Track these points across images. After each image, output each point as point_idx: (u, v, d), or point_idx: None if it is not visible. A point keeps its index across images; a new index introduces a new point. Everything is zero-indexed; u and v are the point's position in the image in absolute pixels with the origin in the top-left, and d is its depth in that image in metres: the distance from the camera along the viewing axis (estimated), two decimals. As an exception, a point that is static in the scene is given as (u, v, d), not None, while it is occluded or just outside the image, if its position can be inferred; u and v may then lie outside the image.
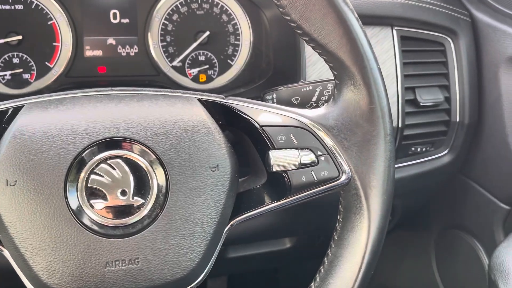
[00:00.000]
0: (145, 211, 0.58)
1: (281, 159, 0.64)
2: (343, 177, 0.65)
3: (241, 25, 1.13)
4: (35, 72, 1.04)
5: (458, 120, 1.17)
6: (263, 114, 0.66)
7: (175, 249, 0.59)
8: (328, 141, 0.65)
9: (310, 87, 0.82)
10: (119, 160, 0.58)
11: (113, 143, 0.58)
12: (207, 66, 1.13)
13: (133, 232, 0.58)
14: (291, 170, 0.64)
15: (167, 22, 1.09)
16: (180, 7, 1.09)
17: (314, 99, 0.82)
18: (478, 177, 1.29)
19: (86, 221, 0.57)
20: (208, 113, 0.64)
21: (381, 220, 0.65)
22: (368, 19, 1.04)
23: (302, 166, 0.64)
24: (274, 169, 0.64)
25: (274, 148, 0.65)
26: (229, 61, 1.14)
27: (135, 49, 1.09)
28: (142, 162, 0.58)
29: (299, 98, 0.82)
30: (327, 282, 0.66)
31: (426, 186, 1.30)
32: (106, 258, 0.57)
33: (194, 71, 1.13)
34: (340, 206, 0.69)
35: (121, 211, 0.58)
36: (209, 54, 1.13)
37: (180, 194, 0.59)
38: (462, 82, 1.17)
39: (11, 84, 1.03)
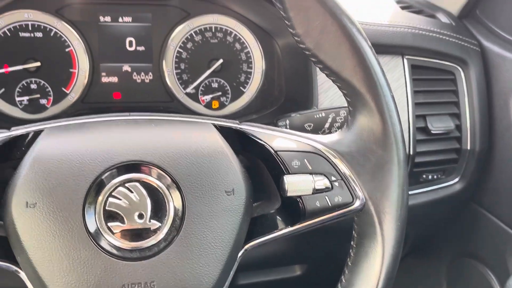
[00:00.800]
0: (161, 235, 0.59)
1: (295, 184, 0.65)
2: (357, 203, 0.66)
3: (253, 53, 1.15)
4: (52, 98, 1.07)
5: (469, 148, 1.17)
6: (278, 139, 0.67)
7: (190, 272, 0.59)
8: (342, 166, 0.66)
9: (323, 114, 0.83)
10: (137, 184, 0.59)
11: (132, 166, 0.59)
12: (220, 93, 1.15)
13: (149, 255, 0.58)
14: (305, 195, 0.65)
15: (181, 50, 1.12)
16: (194, 35, 1.12)
17: (327, 125, 0.83)
18: (490, 205, 1.28)
19: (103, 243, 0.58)
20: (223, 138, 0.66)
21: (395, 247, 0.65)
22: (380, 48, 1.06)
23: (316, 191, 0.65)
24: (288, 194, 0.65)
25: (289, 173, 0.65)
26: (241, 88, 1.16)
27: (150, 76, 1.11)
28: (159, 186, 0.59)
29: (312, 125, 0.83)
30: (341, 308, 0.66)
31: (437, 214, 1.30)
32: (122, 281, 0.57)
33: (207, 97, 1.15)
34: (353, 232, 0.69)
35: (138, 234, 0.59)
36: (222, 81, 1.15)
37: (196, 218, 0.60)
38: (472, 110, 1.17)
39: (28, 109, 1.05)
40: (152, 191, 0.59)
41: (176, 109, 1.13)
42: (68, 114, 1.07)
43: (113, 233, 0.58)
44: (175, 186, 0.60)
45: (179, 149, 0.61)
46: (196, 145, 0.62)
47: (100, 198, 0.58)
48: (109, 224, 0.58)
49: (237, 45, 1.14)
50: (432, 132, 1.12)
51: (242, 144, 0.69)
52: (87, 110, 1.08)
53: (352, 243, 0.69)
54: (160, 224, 0.59)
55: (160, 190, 0.59)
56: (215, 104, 1.15)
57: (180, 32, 1.11)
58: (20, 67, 1.03)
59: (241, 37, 1.14)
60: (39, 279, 0.56)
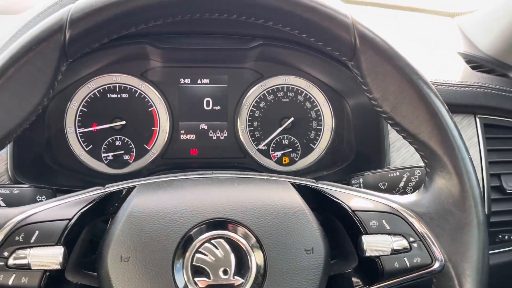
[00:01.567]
0: (244, 291, 0.61)
1: (374, 244, 0.65)
2: (436, 265, 0.65)
3: (323, 111, 1.18)
4: (134, 154, 1.14)
5: (547, 207, 1.13)
6: (355, 198, 0.69)
7: None
8: (420, 227, 0.66)
9: (397, 173, 0.84)
10: (222, 240, 0.62)
11: (218, 223, 0.62)
12: (290, 150, 1.19)
13: None
14: (383, 255, 0.66)
15: (254, 109, 1.17)
16: (267, 95, 1.17)
17: (401, 184, 0.84)
18: None
19: (191, 298, 0.60)
20: (301, 196, 0.68)
21: (476, 310, 0.64)
22: (452, 108, 1.05)
23: (395, 252, 0.66)
24: (367, 254, 0.65)
25: (367, 233, 0.66)
26: (311, 144, 1.19)
27: (225, 133, 1.17)
28: (243, 243, 0.62)
29: (387, 183, 0.84)
30: None
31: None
32: None
33: (278, 154, 1.18)
34: (432, 294, 0.69)
35: (223, 289, 0.61)
36: (293, 138, 1.19)
37: (277, 276, 0.62)
38: (548, 169, 1.14)
39: (113, 164, 1.12)
40: (235, 247, 0.62)
41: (249, 165, 1.17)
42: (149, 169, 1.14)
43: None
44: (258, 243, 0.62)
45: (261, 207, 0.64)
46: (276, 204, 0.65)
47: (188, 253, 0.61)
48: (196, 279, 0.61)
49: (308, 104, 1.18)
50: (508, 191, 1.10)
51: (318, 202, 0.71)
52: (166, 166, 1.14)
53: (431, 305, 0.68)
54: (243, 280, 0.61)
55: (244, 247, 0.62)
56: (286, 160, 1.19)
57: (254, 92, 1.17)
58: (108, 126, 1.12)
59: (311, 96, 1.18)
60: None
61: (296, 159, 1.19)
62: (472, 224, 0.65)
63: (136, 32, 0.62)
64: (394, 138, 1.04)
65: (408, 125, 0.66)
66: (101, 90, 1.12)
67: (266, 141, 1.18)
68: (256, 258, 0.62)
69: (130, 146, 1.14)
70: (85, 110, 1.11)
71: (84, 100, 1.11)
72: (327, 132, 1.19)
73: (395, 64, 0.64)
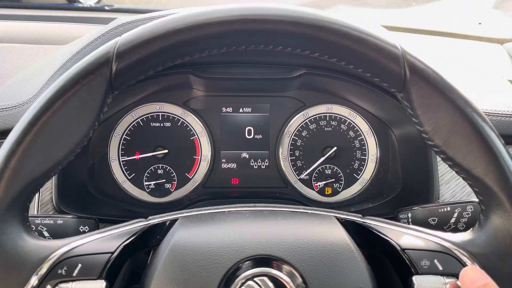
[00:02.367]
0: (288, 331, 0.59)
1: (425, 285, 0.62)
2: (493, 309, 0.61)
3: (367, 141, 1.16)
4: (175, 183, 1.14)
5: None
6: (404, 236, 0.66)
7: None
8: (476, 269, 0.62)
9: (448, 208, 0.80)
10: (265, 278, 0.60)
11: (263, 260, 0.60)
12: (333, 180, 1.16)
13: None
14: None
15: (296, 138, 1.15)
16: (309, 124, 1.15)
17: (452, 220, 0.80)
18: None
19: (232, 337, 0.59)
20: (347, 233, 0.65)
21: None
22: (505, 139, 1.02)
23: (448, 293, 0.62)
24: (418, 295, 0.62)
25: (418, 273, 0.63)
26: (355, 175, 1.16)
27: (266, 162, 1.16)
28: (288, 283, 0.59)
29: (437, 219, 0.80)
30: None
31: None
32: None
33: (321, 184, 1.16)
34: None
35: (265, 328, 0.59)
36: (335, 168, 1.16)
37: (323, 316, 0.59)
38: None
39: (154, 193, 1.13)
40: (280, 286, 0.60)
41: (291, 195, 1.15)
42: (190, 198, 1.13)
43: None
44: (304, 284, 0.60)
45: (307, 245, 0.62)
46: (322, 241, 0.63)
47: None
48: None
49: (351, 133, 1.16)
50: None
51: (365, 238, 0.68)
52: (207, 195, 1.14)
53: None
54: (286, 321, 0.59)
55: (289, 287, 0.59)
56: (328, 190, 1.16)
57: (296, 121, 1.15)
58: (150, 154, 1.12)
59: (355, 125, 1.16)
60: None
61: (339, 190, 1.16)
62: (534, 267, 0.61)
63: (179, 63, 0.62)
64: (443, 170, 1.00)
65: (462, 160, 0.62)
66: (144, 119, 1.13)
67: (308, 170, 1.16)
68: None
69: (172, 175, 1.13)
70: (128, 138, 1.12)
71: (128, 129, 1.12)
72: (371, 162, 1.16)
73: (447, 96, 0.61)
